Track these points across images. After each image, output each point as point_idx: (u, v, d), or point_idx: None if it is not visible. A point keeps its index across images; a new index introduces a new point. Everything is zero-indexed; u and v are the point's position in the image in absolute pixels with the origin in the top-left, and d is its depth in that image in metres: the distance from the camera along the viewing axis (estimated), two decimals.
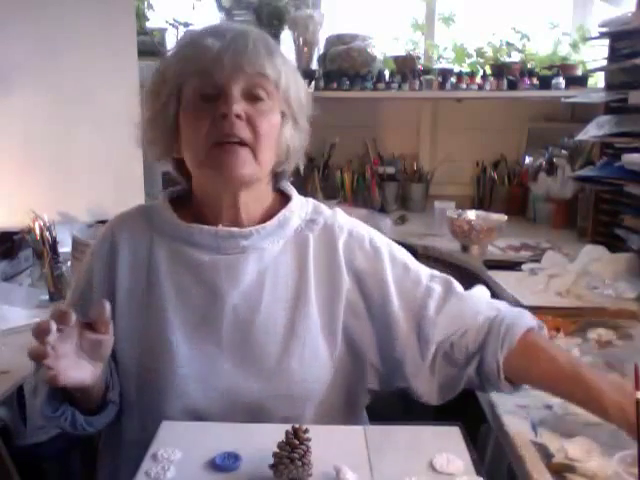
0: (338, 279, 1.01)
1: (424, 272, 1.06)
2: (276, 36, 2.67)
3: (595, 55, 2.39)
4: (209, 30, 0.98)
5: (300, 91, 1.02)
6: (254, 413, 0.96)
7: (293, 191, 1.08)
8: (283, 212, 1.03)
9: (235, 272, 0.98)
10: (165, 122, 0.99)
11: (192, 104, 0.96)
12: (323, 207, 1.10)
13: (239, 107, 0.93)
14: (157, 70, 1.01)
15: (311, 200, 1.11)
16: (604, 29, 2.08)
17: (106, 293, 0.98)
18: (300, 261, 1.02)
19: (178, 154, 1.01)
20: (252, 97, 0.95)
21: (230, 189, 0.99)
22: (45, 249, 1.74)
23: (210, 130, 0.94)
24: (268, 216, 1.03)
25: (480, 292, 1.09)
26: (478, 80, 2.66)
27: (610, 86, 2.10)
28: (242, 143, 0.94)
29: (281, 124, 0.99)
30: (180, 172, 1.06)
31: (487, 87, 2.64)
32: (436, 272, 1.08)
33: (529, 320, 1.02)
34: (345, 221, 1.08)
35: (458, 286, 1.06)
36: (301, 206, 1.07)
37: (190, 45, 0.97)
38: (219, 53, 0.92)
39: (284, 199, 1.07)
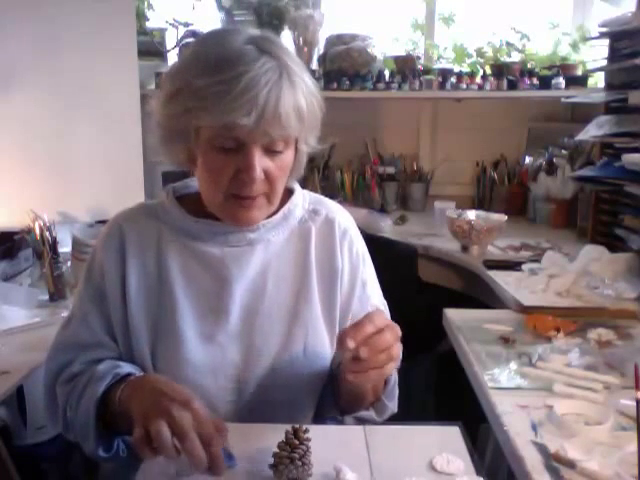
0: (335, 271, 1.06)
1: (375, 299, 1.11)
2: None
3: (595, 55, 2.39)
4: (243, 89, 0.86)
5: (318, 119, 0.99)
6: (261, 399, 1.00)
7: (295, 184, 1.10)
8: (287, 205, 1.06)
9: (242, 262, 1.02)
10: (180, 141, 0.96)
11: (212, 154, 0.93)
12: (326, 200, 1.14)
13: (260, 169, 0.92)
14: (175, 88, 0.92)
15: (312, 193, 1.14)
16: (604, 29, 2.08)
17: (119, 287, 1.01)
18: (303, 251, 1.06)
19: (192, 169, 1.00)
20: (272, 150, 0.94)
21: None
22: (45, 249, 1.74)
23: (231, 183, 0.93)
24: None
25: None
26: (478, 80, 2.65)
27: (610, 86, 2.10)
28: (258, 194, 0.96)
29: (296, 155, 1.00)
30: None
31: (487, 87, 2.63)
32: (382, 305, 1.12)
33: None
34: (345, 220, 1.11)
35: None
36: (303, 197, 1.10)
37: (223, 109, 0.87)
38: (251, 129, 0.88)
39: (286, 191, 1.07)
